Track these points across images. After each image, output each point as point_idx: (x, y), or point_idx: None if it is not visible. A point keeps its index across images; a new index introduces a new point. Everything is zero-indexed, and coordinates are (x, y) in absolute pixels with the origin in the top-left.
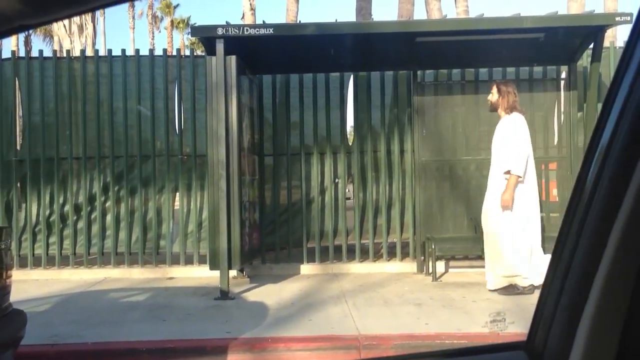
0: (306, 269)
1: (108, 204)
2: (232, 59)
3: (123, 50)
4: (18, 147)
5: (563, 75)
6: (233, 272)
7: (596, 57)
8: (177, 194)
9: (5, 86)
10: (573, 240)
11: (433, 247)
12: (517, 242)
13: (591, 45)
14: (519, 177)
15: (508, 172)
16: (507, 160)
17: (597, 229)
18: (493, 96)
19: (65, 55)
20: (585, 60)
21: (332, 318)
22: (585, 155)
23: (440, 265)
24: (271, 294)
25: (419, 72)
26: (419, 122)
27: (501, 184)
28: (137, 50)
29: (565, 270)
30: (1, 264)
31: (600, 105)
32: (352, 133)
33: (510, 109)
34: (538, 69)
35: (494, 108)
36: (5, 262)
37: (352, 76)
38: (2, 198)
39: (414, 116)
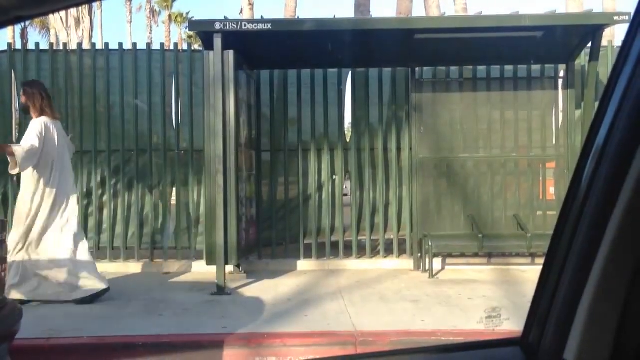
0: (303, 264)
1: (104, 198)
2: (230, 53)
3: (120, 44)
4: (14, 140)
5: (561, 74)
6: (229, 268)
7: (594, 56)
8: (174, 188)
9: (2, 79)
10: (569, 237)
11: (430, 244)
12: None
13: (589, 44)
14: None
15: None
16: None
17: (593, 226)
18: (23, 98)
19: (62, 48)
20: (583, 59)
21: (329, 314)
22: (581, 153)
23: (437, 262)
24: (268, 290)
25: (417, 69)
26: (416, 119)
27: (28, 184)
28: (135, 44)
29: (561, 266)
30: None
31: (597, 104)
32: (350, 130)
33: (39, 112)
34: (536, 68)
35: (25, 111)
36: (0, 255)
37: (350, 72)
38: (0, 190)
39: (411, 113)
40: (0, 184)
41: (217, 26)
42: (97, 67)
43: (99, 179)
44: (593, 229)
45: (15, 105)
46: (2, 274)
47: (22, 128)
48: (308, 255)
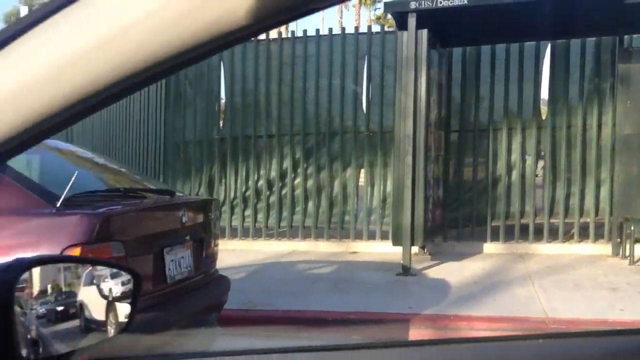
0: (489, 247)
1: (298, 180)
2: (423, 33)
3: (317, 30)
4: (220, 126)
5: None
6: (415, 249)
7: None
8: (362, 170)
9: (211, 71)
10: None
11: (632, 228)
12: None
13: None
14: None
15: None
16: None
17: None
18: None
19: (264, 38)
20: None
21: (518, 299)
22: None
23: (639, 249)
24: (453, 272)
25: (625, 37)
26: (622, 92)
27: None
28: (330, 30)
29: None
30: (211, 233)
31: None
32: (545, 107)
33: None
34: None
35: None
36: (214, 231)
37: (549, 45)
38: (206, 173)
39: (617, 86)
40: (207, 167)
41: (412, 5)
42: (295, 54)
43: (292, 161)
44: None
45: (222, 93)
46: (215, 248)
47: (227, 114)
48: (495, 238)
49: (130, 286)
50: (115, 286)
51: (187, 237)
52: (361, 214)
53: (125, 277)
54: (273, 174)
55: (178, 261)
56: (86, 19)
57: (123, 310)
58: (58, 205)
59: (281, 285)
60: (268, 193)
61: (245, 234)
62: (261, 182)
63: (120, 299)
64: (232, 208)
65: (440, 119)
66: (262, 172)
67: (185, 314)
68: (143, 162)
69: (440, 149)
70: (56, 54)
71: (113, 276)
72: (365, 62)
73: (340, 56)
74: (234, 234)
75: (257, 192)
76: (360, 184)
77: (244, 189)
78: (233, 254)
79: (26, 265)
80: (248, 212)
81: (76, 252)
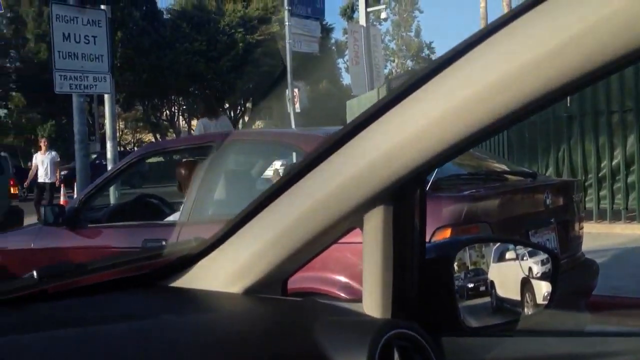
0: None
1: None
2: None
3: None
4: (568, 104)
5: None
6: None
7: None
8: None
9: None
10: None
11: None
12: None
13: None
14: None
15: None
16: None
17: None
18: None
19: None
20: None
21: None
22: None
23: None
24: None
25: None
26: None
27: None
28: None
29: None
30: (575, 215)
31: None
32: None
33: None
34: None
35: None
36: (579, 214)
37: None
38: (553, 153)
39: None
40: (555, 147)
41: None
42: None
43: None
44: None
45: None
46: (580, 231)
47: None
48: None
49: (548, 266)
50: (534, 265)
51: (552, 220)
52: None
53: (543, 256)
54: (632, 151)
55: (543, 244)
56: (540, 29)
57: (541, 289)
58: (427, 188)
59: None
60: (626, 172)
61: (601, 217)
62: (616, 161)
63: (539, 278)
64: (585, 189)
65: None
66: (617, 150)
67: (552, 297)
68: (486, 144)
69: None
70: (509, 65)
71: (531, 254)
72: None
73: None
74: (588, 217)
75: (613, 172)
76: None
77: (596, 169)
78: (589, 236)
79: (461, 243)
80: (603, 192)
81: (447, 233)
